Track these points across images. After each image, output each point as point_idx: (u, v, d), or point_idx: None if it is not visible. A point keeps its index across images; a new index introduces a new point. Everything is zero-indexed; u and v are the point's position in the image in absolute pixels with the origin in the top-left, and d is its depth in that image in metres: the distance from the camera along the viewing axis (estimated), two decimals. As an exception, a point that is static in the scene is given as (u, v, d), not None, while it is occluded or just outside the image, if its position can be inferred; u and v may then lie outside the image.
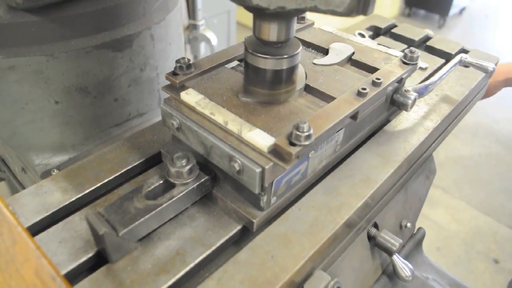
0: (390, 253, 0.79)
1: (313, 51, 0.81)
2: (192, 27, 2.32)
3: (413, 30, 1.15)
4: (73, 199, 0.64)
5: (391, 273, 0.89)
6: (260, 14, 0.58)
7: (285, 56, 0.61)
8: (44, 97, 0.86)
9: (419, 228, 1.06)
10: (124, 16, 0.89)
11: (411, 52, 0.74)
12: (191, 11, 2.26)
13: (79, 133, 0.96)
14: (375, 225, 0.81)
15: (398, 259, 0.81)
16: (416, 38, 1.11)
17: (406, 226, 0.94)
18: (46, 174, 0.94)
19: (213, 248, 0.58)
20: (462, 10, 6.42)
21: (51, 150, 0.95)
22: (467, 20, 6.35)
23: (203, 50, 2.44)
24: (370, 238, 0.80)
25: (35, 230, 0.60)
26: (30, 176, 1.00)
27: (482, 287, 2.57)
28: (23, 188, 1.09)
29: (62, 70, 0.84)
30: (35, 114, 0.88)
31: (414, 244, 1.03)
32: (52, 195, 0.64)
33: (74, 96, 0.89)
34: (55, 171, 0.94)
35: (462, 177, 3.37)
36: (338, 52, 0.78)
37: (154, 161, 0.72)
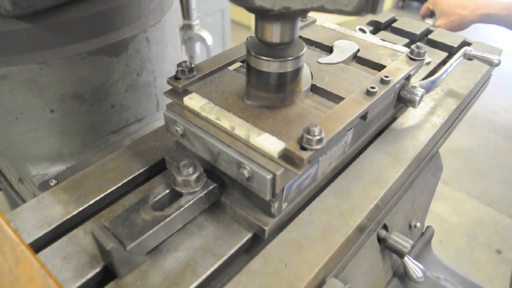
0: (401, 255, 0.77)
1: (316, 49, 0.79)
2: (186, 27, 2.30)
3: (414, 23, 1.13)
4: (76, 211, 0.62)
5: (402, 275, 0.88)
6: (263, 15, 0.56)
7: (290, 58, 0.59)
8: (38, 106, 0.83)
9: (428, 227, 1.05)
10: (119, 20, 0.86)
11: (417, 47, 0.72)
12: (185, 11, 2.24)
13: (76, 142, 0.94)
14: (385, 227, 0.80)
15: (409, 261, 0.79)
16: (418, 32, 1.09)
17: (415, 226, 0.93)
18: (43, 184, 0.91)
19: (224, 258, 0.56)
20: (455, 1, 6.41)
21: (48, 160, 0.93)
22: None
23: (199, 50, 2.42)
24: (380, 240, 0.78)
25: (38, 246, 0.58)
26: (28, 186, 0.98)
27: (486, 278, 2.56)
28: (21, 198, 1.07)
29: (56, 77, 0.81)
30: (30, 124, 0.85)
31: (423, 244, 1.01)
32: (54, 208, 0.62)
33: (69, 104, 0.86)
34: (53, 181, 0.91)
35: (461, 169, 3.37)
36: (343, 49, 0.76)
37: (158, 168, 0.70)
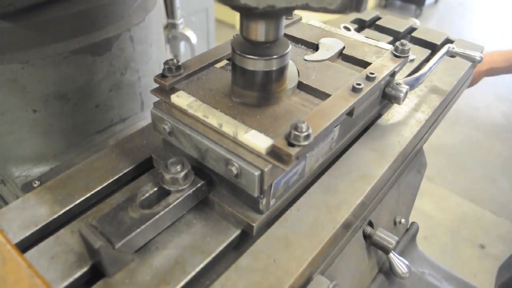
0: (386, 251, 0.78)
1: (302, 47, 0.80)
2: (170, 26, 2.28)
3: (398, 21, 1.14)
4: (63, 211, 0.61)
5: (388, 271, 0.89)
6: (247, 13, 0.56)
7: (275, 56, 0.59)
8: (21, 107, 0.82)
9: (413, 223, 1.06)
10: (102, 19, 0.85)
11: (402, 44, 0.73)
12: (169, 10, 2.22)
13: (60, 142, 0.92)
14: (370, 224, 0.81)
15: (394, 257, 0.80)
16: (401, 30, 1.10)
17: (400, 222, 0.94)
18: (27, 186, 0.90)
19: (213, 255, 0.56)
20: (437, 0, 6.49)
21: (31, 161, 0.91)
22: (443, 9, 6.43)
23: (183, 49, 2.40)
24: (366, 237, 0.79)
25: (25, 246, 0.57)
26: (10, 188, 0.96)
27: (470, 273, 2.60)
28: (3, 200, 1.05)
29: (38, 77, 0.80)
30: (12, 124, 0.83)
31: (408, 240, 1.02)
32: (40, 208, 0.61)
33: (53, 104, 0.85)
34: (37, 182, 0.90)
35: (444, 165, 3.42)
36: (329, 47, 0.77)
37: (145, 167, 0.70)
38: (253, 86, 0.61)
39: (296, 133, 0.51)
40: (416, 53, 1.02)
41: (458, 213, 3.01)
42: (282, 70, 0.61)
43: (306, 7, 0.47)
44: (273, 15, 0.55)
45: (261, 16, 0.55)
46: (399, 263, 0.81)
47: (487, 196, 3.14)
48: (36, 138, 0.88)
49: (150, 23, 0.98)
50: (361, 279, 0.84)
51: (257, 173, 0.52)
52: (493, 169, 3.40)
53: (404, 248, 1.02)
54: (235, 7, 0.52)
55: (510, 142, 3.71)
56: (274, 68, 0.60)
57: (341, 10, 0.45)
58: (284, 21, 0.59)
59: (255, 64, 0.59)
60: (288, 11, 0.52)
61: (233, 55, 0.61)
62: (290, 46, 0.61)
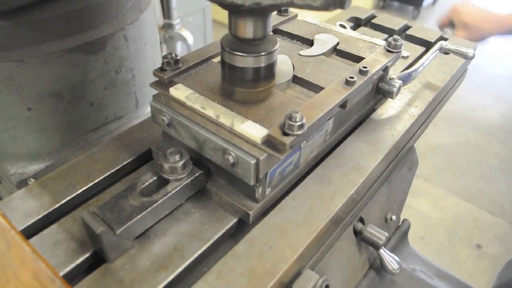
0: (377, 247, 0.79)
1: (298, 42, 0.82)
2: (167, 27, 2.30)
3: (393, 20, 1.16)
4: (65, 200, 0.63)
5: (379, 267, 0.90)
6: (235, 11, 0.57)
7: (263, 53, 0.60)
8: (15, 105, 0.83)
9: (404, 220, 1.07)
10: (96, 18, 0.86)
11: (394, 40, 0.75)
12: (166, 10, 2.24)
13: (55, 140, 0.94)
14: (361, 220, 0.82)
15: (385, 253, 0.82)
16: (396, 28, 1.12)
17: (391, 219, 0.95)
18: (22, 183, 0.90)
19: (211, 242, 0.58)
20: (435, 1, 6.52)
21: (26, 159, 0.92)
22: (440, 11, 6.44)
23: (180, 50, 2.42)
24: (356, 233, 0.80)
25: (28, 234, 0.59)
26: (6, 186, 0.97)
27: (466, 273, 2.62)
28: (-1, 198, 1.06)
29: (33, 75, 0.81)
30: (7, 122, 0.85)
31: (399, 236, 1.03)
32: (43, 197, 0.63)
33: (47, 102, 0.86)
34: (32, 180, 0.91)
35: (442, 166, 3.43)
36: (323, 43, 0.79)
37: (144, 159, 0.72)
38: (241, 83, 0.62)
39: (291, 122, 0.52)
40: (411, 51, 1.04)
41: (455, 213, 3.02)
42: (270, 67, 0.62)
43: (291, 4, 0.48)
44: (259, 12, 0.56)
45: (248, 13, 0.56)
46: (390, 259, 0.82)
47: (484, 196, 3.16)
48: (31, 136, 0.89)
49: (144, 22, 1.00)
50: (351, 275, 0.85)
51: (253, 161, 0.54)
52: (490, 169, 3.42)
53: (395, 245, 1.04)
54: (223, 5, 0.53)
55: (507, 142, 3.73)
56: (262, 65, 0.61)
57: (325, 7, 0.45)
58: (272, 18, 0.60)
59: (243, 61, 0.60)
60: (274, 8, 0.53)
61: (222, 52, 0.62)
62: (278, 43, 0.62)
